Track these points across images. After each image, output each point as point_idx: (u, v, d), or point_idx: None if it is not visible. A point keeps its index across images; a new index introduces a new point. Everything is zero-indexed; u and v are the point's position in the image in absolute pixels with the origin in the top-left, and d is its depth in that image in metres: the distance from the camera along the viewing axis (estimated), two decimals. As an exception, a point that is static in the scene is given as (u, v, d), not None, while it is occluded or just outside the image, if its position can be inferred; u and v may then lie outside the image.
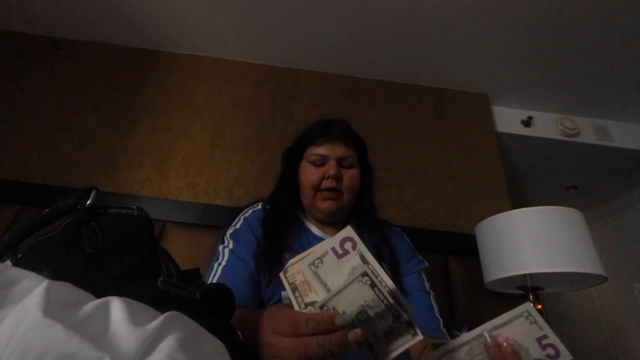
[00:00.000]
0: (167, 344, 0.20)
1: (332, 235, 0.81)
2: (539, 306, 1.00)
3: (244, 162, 1.59)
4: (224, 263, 0.70)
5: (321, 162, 0.79)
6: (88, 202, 0.38)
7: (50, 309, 0.19)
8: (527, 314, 0.43)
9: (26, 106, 1.62)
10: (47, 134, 1.57)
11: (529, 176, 2.34)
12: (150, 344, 0.20)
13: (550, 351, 0.41)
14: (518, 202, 2.48)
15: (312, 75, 1.86)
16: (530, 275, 0.99)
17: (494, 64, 1.75)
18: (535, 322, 0.43)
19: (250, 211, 0.81)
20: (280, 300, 0.67)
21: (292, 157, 0.87)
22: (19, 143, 1.53)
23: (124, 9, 1.61)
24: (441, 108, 1.87)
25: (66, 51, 1.77)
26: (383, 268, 0.75)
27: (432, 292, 0.82)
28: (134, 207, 0.41)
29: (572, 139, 1.96)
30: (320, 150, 0.80)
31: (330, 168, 0.76)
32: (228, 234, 0.76)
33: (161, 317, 0.23)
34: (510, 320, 0.43)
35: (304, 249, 0.74)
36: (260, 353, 0.39)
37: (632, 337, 2.21)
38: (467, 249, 1.35)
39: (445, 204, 1.61)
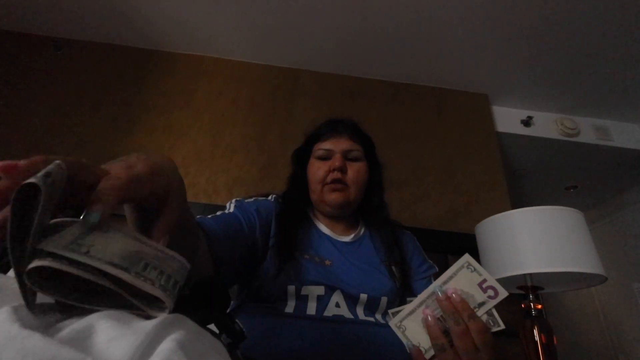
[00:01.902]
0: (166, 346, 0.20)
1: (341, 234, 0.81)
2: (539, 306, 0.99)
3: (244, 162, 1.59)
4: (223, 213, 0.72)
5: (327, 156, 0.80)
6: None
7: (27, 319, 0.19)
8: (467, 264, 0.48)
9: (26, 106, 1.62)
10: (47, 134, 1.56)
11: (529, 176, 2.34)
12: (149, 346, 0.20)
13: (491, 292, 0.47)
14: (518, 202, 2.48)
15: (312, 75, 1.86)
16: (530, 275, 0.99)
17: (494, 64, 1.75)
18: (475, 270, 0.48)
19: (261, 199, 0.81)
20: (285, 294, 0.67)
21: (302, 157, 0.87)
22: (18, 143, 1.53)
23: (124, 9, 1.61)
24: (441, 108, 1.87)
25: (66, 51, 1.76)
26: (392, 270, 0.75)
27: None
28: None
29: (572, 139, 1.95)
30: (326, 144, 0.81)
31: (336, 160, 0.77)
32: (234, 200, 0.77)
33: (160, 318, 0.23)
34: (454, 274, 0.48)
35: (314, 247, 0.74)
36: None
37: (632, 337, 2.21)
38: (467, 249, 1.34)
39: (445, 204, 1.61)
